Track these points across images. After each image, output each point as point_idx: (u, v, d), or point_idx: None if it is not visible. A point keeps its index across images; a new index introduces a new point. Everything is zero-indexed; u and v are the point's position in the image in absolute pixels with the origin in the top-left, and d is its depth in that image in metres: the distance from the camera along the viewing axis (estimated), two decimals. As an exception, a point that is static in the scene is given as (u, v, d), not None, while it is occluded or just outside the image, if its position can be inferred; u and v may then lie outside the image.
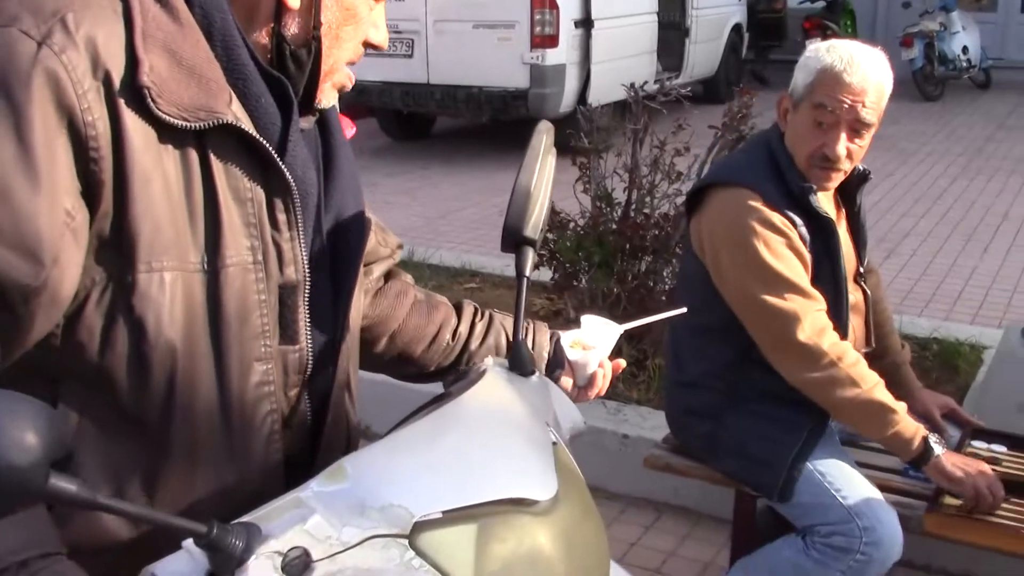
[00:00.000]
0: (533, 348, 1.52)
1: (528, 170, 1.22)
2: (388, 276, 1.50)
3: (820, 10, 12.84)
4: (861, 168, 2.35)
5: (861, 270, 2.44)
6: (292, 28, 1.15)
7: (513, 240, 1.22)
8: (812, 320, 2.14)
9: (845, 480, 2.21)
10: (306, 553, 0.86)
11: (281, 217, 1.13)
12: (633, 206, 3.84)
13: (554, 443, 1.08)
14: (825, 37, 12.38)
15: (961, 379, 3.61)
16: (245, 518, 0.89)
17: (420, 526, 0.91)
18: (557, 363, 1.52)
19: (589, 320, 1.50)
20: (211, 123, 1.05)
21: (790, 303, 2.14)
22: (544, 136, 1.26)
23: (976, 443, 2.44)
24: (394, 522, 0.91)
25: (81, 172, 1.00)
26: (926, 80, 11.28)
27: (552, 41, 8.12)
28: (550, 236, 3.82)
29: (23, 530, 0.94)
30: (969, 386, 3.52)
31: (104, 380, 1.05)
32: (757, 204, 2.18)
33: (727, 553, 2.58)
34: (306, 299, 1.17)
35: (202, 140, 1.07)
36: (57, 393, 1.05)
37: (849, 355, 2.15)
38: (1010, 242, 5.92)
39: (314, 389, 1.21)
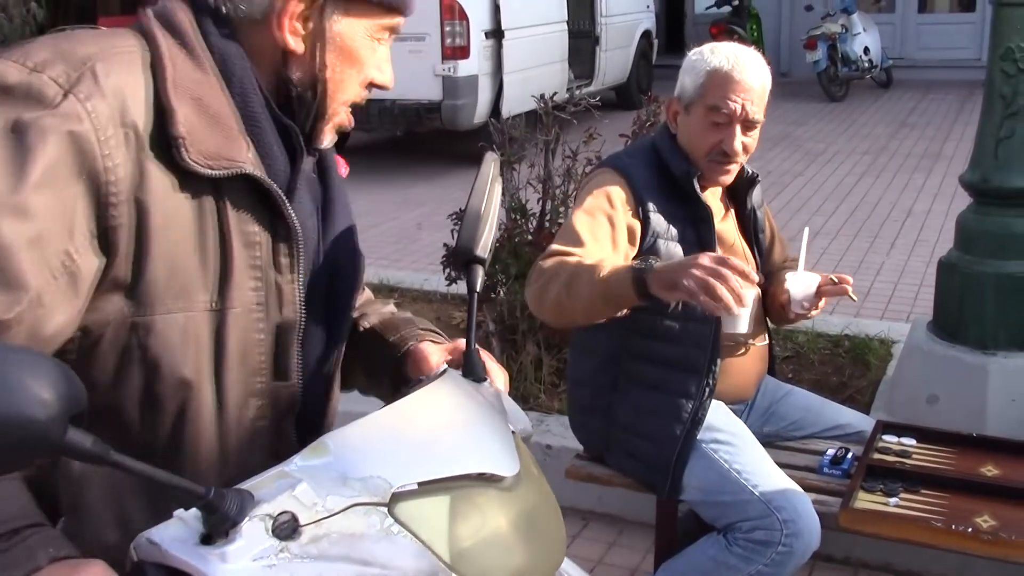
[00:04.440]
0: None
1: (479, 194, 1.32)
2: None
3: (726, 15, 13.09)
4: (750, 171, 2.43)
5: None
6: (297, 72, 1.20)
7: (464, 259, 1.32)
8: (550, 258, 2.07)
9: (763, 476, 2.25)
10: (294, 517, 0.93)
11: (284, 260, 1.19)
12: (548, 217, 3.86)
13: (513, 432, 1.18)
14: (732, 41, 12.64)
15: (872, 374, 3.70)
16: (238, 486, 0.95)
17: (398, 496, 1.00)
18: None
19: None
20: (232, 172, 1.11)
21: (553, 246, 2.11)
22: (492, 165, 1.36)
23: (887, 437, 2.51)
24: (374, 492, 0.99)
25: (98, 217, 1.04)
26: (830, 81, 11.57)
27: (463, 52, 8.13)
28: (466, 249, 3.81)
29: (12, 504, 0.99)
30: (880, 381, 3.61)
31: (114, 414, 1.10)
32: (611, 177, 2.25)
33: (653, 557, 2.60)
34: (299, 338, 1.22)
35: (218, 186, 1.12)
36: None
37: (559, 258, 2.05)
38: (915, 237, 6.09)
39: (303, 424, 1.26)
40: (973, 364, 3.12)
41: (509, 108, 8.07)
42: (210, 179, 1.10)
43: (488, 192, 1.34)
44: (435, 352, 1.36)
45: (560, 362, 3.69)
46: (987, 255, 3.13)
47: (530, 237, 3.79)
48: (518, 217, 3.87)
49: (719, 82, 2.22)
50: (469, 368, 1.26)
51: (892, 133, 9.65)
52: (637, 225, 2.24)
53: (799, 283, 2.33)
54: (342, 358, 1.36)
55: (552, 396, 3.58)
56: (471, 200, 1.32)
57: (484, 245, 1.32)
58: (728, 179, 2.35)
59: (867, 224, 6.47)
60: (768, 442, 2.50)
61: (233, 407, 1.16)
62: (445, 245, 3.85)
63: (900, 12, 14.41)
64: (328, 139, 1.27)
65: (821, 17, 12.57)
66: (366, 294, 1.58)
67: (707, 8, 14.26)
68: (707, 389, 2.29)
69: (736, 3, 13.15)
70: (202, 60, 1.13)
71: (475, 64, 8.24)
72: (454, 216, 3.88)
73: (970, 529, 2.10)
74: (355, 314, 1.49)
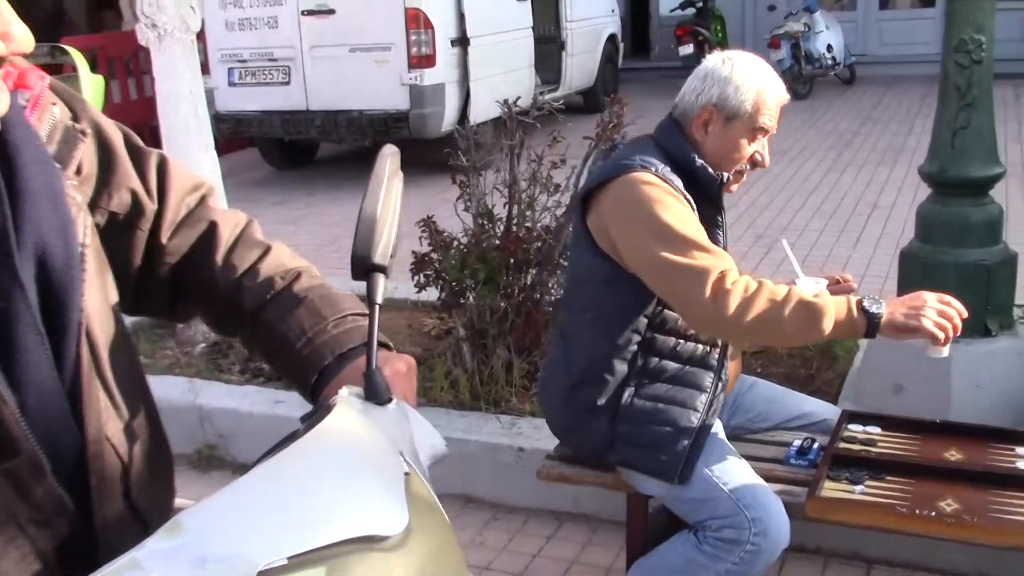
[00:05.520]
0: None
1: (372, 197, 1.20)
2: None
3: (691, 17, 13.18)
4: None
5: None
6: None
7: (363, 268, 1.19)
8: (715, 272, 2.12)
9: (732, 473, 2.27)
10: None
11: None
12: (514, 221, 3.88)
13: (406, 473, 1.06)
14: (698, 43, 12.76)
15: (840, 366, 3.74)
16: None
17: (265, 575, 0.87)
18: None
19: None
20: None
21: (698, 260, 2.14)
22: (388, 161, 1.24)
23: (852, 426, 2.54)
24: (237, 573, 0.87)
25: None
26: (795, 79, 11.66)
27: (429, 61, 8.14)
28: (434, 256, 3.83)
29: None
30: (848, 372, 3.65)
31: None
32: (655, 180, 2.24)
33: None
34: (16, 408, 0.98)
35: None
36: None
37: (751, 283, 2.13)
38: (880, 231, 6.16)
39: (64, 473, 1.04)
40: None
41: (477, 115, 8.10)
42: None
43: (384, 192, 1.21)
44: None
45: (531, 365, 3.71)
46: (947, 244, 3.18)
47: (497, 242, 3.80)
48: (485, 222, 3.89)
49: (769, 102, 2.30)
50: (371, 391, 1.14)
51: (856, 128, 9.75)
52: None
53: (810, 288, 2.34)
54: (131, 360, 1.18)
55: (524, 399, 3.60)
56: (365, 203, 1.20)
57: (383, 252, 1.19)
58: (737, 187, 2.43)
59: (833, 218, 6.54)
60: (735, 435, 2.52)
61: None
62: (413, 252, 3.86)
63: (861, 9, 14.57)
64: None
65: (784, 16, 12.70)
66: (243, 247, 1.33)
67: (672, 10, 14.34)
68: (720, 384, 2.35)
69: (700, 5, 13.24)
70: None
71: (442, 72, 8.26)
72: (422, 223, 3.89)
73: (934, 513, 2.13)
74: (233, 273, 1.30)
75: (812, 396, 2.84)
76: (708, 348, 2.36)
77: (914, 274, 3.26)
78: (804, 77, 11.81)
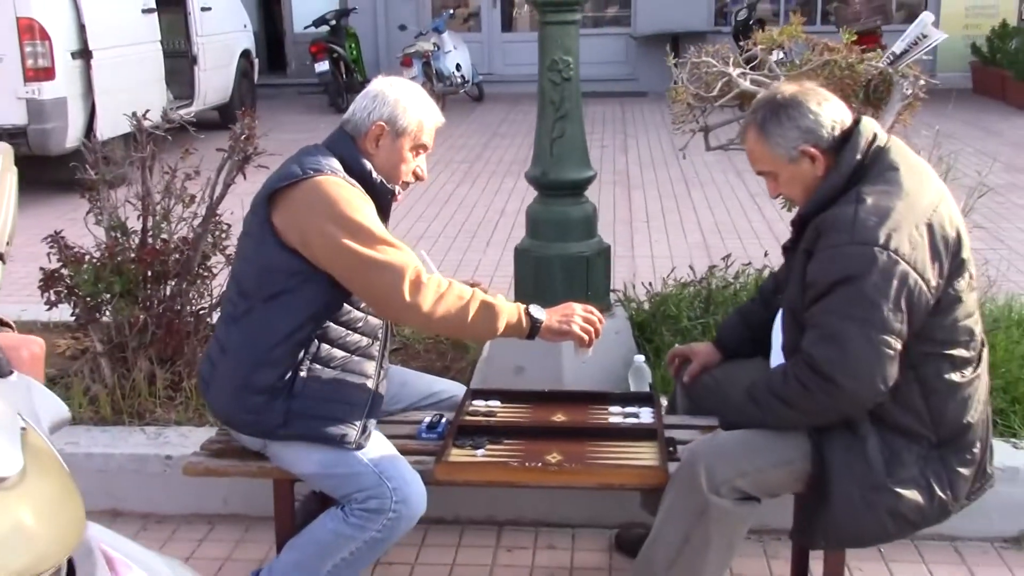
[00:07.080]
0: None
1: None
2: None
3: (326, 35, 13.41)
4: None
5: None
6: None
7: None
8: (410, 268, 2.38)
9: (374, 447, 2.49)
10: None
11: None
12: (150, 233, 3.86)
13: (23, 428, 1.17)
14: (333, 60, 13.00)
15: (471, 355, 4.08)
16: None
17: None
18: None
19: None
20: None
21: (393, 258, 2.38)
22: (1, 157, 1.32)
23: (476, 401, 2.85)
24: None
25: None
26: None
27: (48, 73, 7.74)
28: (65, 272, 3.72)
29: None
30: (477, 360, 3.99)
31: None
32: (344, 183, 2.46)
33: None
34: None
35: None
36: None
37: (442, 280, 2.43)
38: (507, 235, 6.70)
39: None
40: (549, 335, 3.57)
41: (105, 130, 7.77)
42: None
43: None
44: None
45: (175, 375, 3.71)
46: (552, 239, 3.61)
47: (133, 255, 3.77)
48: (119, 235, 3.84)
49: (428, 124, 2.59)
50: None
51: (485, 143, 10.45)
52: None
53: None
54: None
55: (169, 408, 3.60)
56: None
57: None
58: (401, 199, 2.69)
59: (466, 226, 7.02)
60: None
61: None
62: (42, 269, 3.73)
63: (486, 31, 15.57)
64: None
65: (415, 36, 13.30)
66: None
67: (305, 27, 14.51)
68: (382, 371, 2.58)
69: (334, 23, 13.51)
70: None
71: (62, 86, 7.89)
72: (49, 240, 3.77)
73: (540, 464, 2.47)
74: None
75: (445, 382, 3.13)
76: (371, 340, 2.57)
77: (527, 267, 3.67)
78: (436, 94, 12.42)
